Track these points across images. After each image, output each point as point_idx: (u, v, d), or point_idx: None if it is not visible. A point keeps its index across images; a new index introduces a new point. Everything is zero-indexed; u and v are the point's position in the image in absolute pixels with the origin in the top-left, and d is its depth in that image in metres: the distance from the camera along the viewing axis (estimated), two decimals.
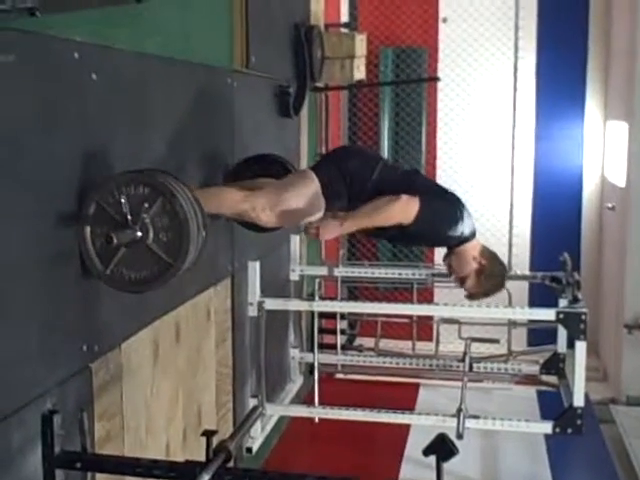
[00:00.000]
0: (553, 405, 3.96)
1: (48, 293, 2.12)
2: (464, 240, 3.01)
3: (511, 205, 5.67)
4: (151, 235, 2.21)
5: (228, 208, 2.90)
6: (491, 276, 3.10)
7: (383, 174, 2.96)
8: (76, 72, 2.21)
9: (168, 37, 2.83)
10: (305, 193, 2.90)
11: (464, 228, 2.96)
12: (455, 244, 3.04)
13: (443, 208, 2.95)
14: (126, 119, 2.53)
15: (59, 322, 2.18)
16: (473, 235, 3.04)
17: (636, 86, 5.21)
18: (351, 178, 2.93)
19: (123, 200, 2.19)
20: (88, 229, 2.21)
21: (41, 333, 2.08)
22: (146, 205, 2.19)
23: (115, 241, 2.14)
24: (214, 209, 2.74)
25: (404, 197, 2.84)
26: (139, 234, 2.19)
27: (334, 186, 2.93)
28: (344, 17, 6.01)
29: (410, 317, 5.16)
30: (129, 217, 2.18)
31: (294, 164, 3.88)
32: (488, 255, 3.10)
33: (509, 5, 5.75)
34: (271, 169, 3.39)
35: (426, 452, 1.94)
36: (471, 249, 3.06)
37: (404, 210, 2.85)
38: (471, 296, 3.21)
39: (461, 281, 3.15)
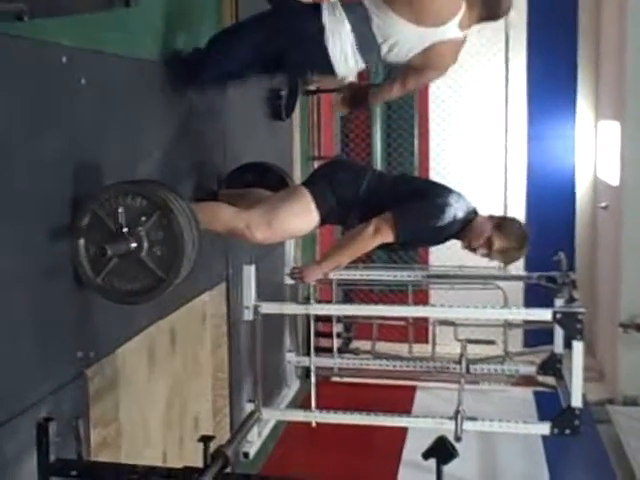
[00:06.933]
0: (550, 406, 3.96)
1: (43, 300, 2.10)
2: (464, 222, 2.99)
3: (505, 206, 5.66)
4: (145, 248, 2.19)
5: (221, 225, 2.92)
6: (508, 246, 3.07)
7: (372, 184, 3.00)
8: (65, 77, 2.19)
9: (157, 40, 2.82)
10: (298, 210, 2.94)
11: (456, 212, 2.94)
12: (458, 230, 3.01)
13: (421, 206, 2.95)
14: (116, 125, 2.51)
15: (54, 329, 2.16)
16: (472, 214, 3.02)
17: (626, 85, 5.22)
18: (341, 191, 2.97)
19: (121, 210, 2.17)
20: (82, 237, 2.19)
21: (36, 340, 2.06)
22: (143, 218, 2.18)
23: (109, 253, 2.12)
24: (207, 224, 2.73)
25: (373, 223, 2.89)
26: (133, 245, 2.17)
27: (326, 200, 2.96)
28: None
29: (406, 319, 5.15)
30: (125, 228, 2.16)
31: (287, 168, 3.87)
32: (497, 223, 3.06)
33: None
34: (265, 178, 3.38)
35: (426, 455, 1.93)
36: (480, 225, 3.02)
37: (378, 234, 2.89)
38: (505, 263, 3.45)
39: (488, 256, 3.14)
